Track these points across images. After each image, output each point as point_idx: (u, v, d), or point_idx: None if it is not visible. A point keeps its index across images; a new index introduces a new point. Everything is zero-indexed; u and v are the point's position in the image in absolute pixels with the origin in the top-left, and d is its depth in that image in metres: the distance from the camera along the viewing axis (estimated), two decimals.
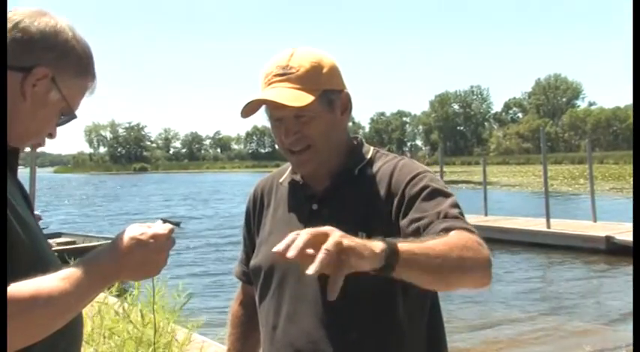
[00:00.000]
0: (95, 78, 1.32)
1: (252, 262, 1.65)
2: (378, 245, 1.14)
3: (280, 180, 1.68)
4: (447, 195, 1.45)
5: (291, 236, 1.08)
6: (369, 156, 1.60)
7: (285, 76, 1.48)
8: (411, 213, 1.42)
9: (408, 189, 1.46)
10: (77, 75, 1.27)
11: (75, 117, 1.31)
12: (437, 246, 1.22)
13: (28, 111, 1.21)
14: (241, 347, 1.80)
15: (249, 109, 1.50)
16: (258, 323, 1.67)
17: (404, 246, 1.17)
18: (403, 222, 1.43)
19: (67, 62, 1.24)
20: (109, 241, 1.17)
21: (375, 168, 1.57)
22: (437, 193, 1.44)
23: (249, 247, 1.74)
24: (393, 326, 1.46)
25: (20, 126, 1.21)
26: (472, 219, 15.99)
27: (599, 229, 14.44)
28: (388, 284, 1.43)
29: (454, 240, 1.27)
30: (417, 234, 1.36)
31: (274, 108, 1.49)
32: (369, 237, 1.39)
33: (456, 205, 1.43)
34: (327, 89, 1.50)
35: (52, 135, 1.31)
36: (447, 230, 1.32)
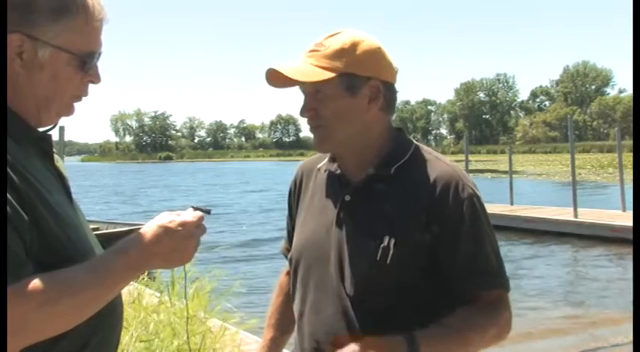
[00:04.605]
0: (88, 6, 1.17)
1: (291, 251, 1.66)
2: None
3: (318, 166, 1.65)
4: (488, 236, 1.48)
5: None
6: (409, 153, 1.53)
7: (314, 52, 1.48)
8: (448, 251, 1.45)
9: (452, 219, 1.45)
10: (60, 17, 1.14)
11: (94, 54, 1.20)
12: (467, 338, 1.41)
13: (32, 83, 1.14)
14: (280, 317, 1.77)
15: (274, 80, 1.50)
16: None
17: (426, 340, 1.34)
18: (434, 251, 1.44)
19: (37, 13, 1.12)
20: (137, 227, 1.16)
21: (414, 170, 1.50)
22: (479, 237, 1.47)
23: (291, 226, 1.73)
24: (411, 323, 1.43)
25: (30, 102, 1.14)
26: (498, 208, 16.02)
27: (627, 219, 14.06)
28: (411, 282, 1.45)
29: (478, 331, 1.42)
30: (442, 278, 1.45)
31: (295, 82, 1.49)
32: (395, 243, 1.43)
33: (493, 252, 1.48)
34: (349, 72, 1.45)
35: (79, 97, 1.23)
36: (480, 290, 1.46)
